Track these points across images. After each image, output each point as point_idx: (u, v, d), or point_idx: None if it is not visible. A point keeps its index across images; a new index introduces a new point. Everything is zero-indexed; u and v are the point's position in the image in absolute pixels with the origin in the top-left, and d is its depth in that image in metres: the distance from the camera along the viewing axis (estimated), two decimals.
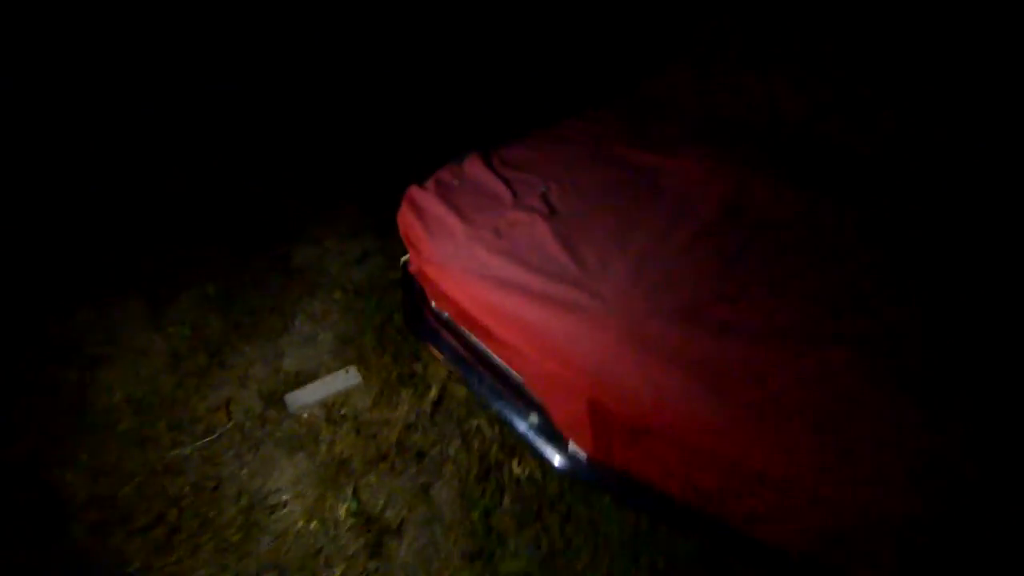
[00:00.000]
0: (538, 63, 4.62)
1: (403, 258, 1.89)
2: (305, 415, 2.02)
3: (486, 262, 1.46)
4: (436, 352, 1.76)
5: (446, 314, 1.73)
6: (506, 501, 1.76)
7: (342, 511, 1.72)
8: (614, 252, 1.45)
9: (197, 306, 2.48)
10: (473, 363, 1.64)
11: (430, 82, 4.62)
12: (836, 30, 2.12)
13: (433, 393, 2.06)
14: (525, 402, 1.51)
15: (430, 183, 1.80)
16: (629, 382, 1.19)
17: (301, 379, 2.16)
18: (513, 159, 1.89)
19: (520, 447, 1.88)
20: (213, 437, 1.92)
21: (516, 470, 1.83)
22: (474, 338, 1.63)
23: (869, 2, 2.14)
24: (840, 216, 1.59)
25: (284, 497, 1.76)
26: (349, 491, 1.77)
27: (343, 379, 2.14)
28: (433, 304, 1.79)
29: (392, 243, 2.69)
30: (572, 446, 1.38)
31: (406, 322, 2.02)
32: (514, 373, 1.53)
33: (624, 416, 1.21)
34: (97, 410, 1.99)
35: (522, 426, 1.50)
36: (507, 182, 1.75)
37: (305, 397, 2.07)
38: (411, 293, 1.86)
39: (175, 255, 2.79)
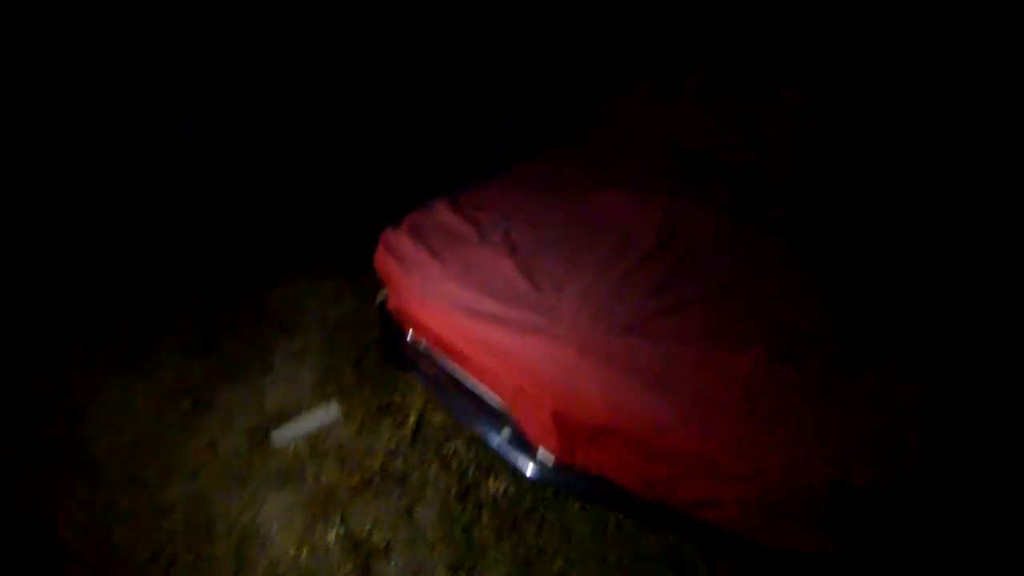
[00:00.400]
0: (496, 102, 4.92)
1: (379, 295, 2.06)
2: (290, 450, 2.12)
3: (457, 294, 1.65)
4: (415, 378, 1.92)
5: (422, 343, 1.89)
6: (485, 516, 1.89)
7: (331, 537, 1.82)
8: (569, 279, 1.66)
9: (178, 353, 2.57)
10: (449, 386, 1.80)
11: (390, 127, 4.84)
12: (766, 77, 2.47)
13: (412, 421, 2.20)
14: (497, 419, 1.68)
15: (403, 226, 1.99)
16: (586, 390, 1.38)
17: (284, 416, 2.26)
18: (477, 201, 2.10)
19: (495, 465, 2.03)
20: (201, 476, 2.00)
21: (492, 487, 1.97)
22: (449, 363, 1.80)
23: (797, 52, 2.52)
24: (757, 237, 1.86)
25: (274, 528, 1.86)
26: (337, 518, 1.88)
27: (325, 413, 2.26)
28: (410, 335, 1.95)
29: (363, 282, 2.84)
30: (541, 454, 1.55)
31: (384, 354, 2.17)
32: (487, 392, 1.70)
33: (583, 420, 1.39)
34: (86, 459, 2.04)
35: (496, 440, 1.67)
36: (473, 222, 1.96)
37: (289, 433, 2.18)
38: (388, 326, 2.02)
39: (152, 303, 2.87)
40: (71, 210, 3.65)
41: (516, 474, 1.97)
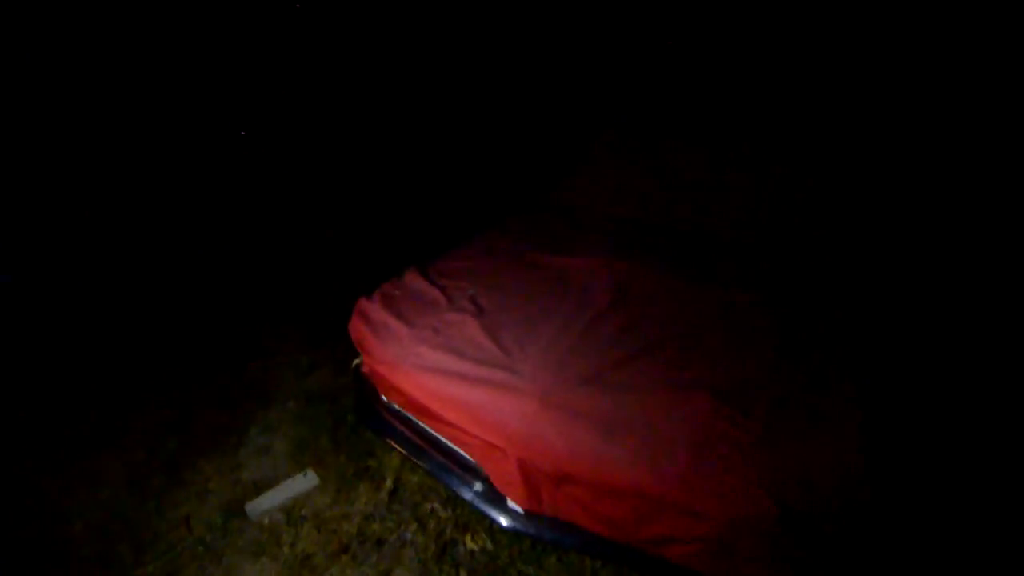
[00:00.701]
0: (452, 177, 5.24)
1: (354, 361, 2.17)
2: (266, 521, 2.13)
3: (428, 357, 1.78)
4: (390, 441, 2.00)
5: (396, 405, 1.99)
6: (462, 575, 1.93)
7: None
8: (530, 338, 1.81)
9: (151, 428, 2.58)
10: (423, 445, 1.89)
11: (362, 206, 5.09)
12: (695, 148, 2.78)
13: (388, 483, 2.24)
14: (470, 473, 1.77)
15: (376, 295, 2.13)
16: (548, 439, 1.50)
17: (260, 487, 2.28)
18: (445, 270, 2.28)
19: (472, 522, 2.08)
20: (175, 553, 1.99)
21: (470, 544, 2.02)
22: (422, 423, 1.89)
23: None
24: (702, 292, 2.06)
25: None
26: None
27: (301, 482, 2.29)
28: (384, 398, 2.04)
29: (336, 352, 2.95)
30: (511, 503, 1.64)
31: (359, 417, 2.24)
32: (457, 448, 1.79)
33: (547, 468, 1.50)
34: (57, 539, 2.02)
35: (469, 494, 1.74)
36: (442, 289, 2.12)
37: (265, 504, 2.19)
38: (363, 391, 2.11)
39: (125, 377, 2.89)
40: (44, 295, 3.69)
41: (494, 530, 2.04)
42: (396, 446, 1.98)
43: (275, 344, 3.22)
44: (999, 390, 2.52)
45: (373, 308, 2.05)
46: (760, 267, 2.24)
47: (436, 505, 2.16)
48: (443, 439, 1.82)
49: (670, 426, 1.49)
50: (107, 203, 4.46)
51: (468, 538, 2.04)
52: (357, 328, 2.01)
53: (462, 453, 1.77)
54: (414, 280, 2.20)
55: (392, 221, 4.85)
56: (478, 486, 1.74)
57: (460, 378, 1.67)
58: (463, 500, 1.79)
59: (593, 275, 2.14)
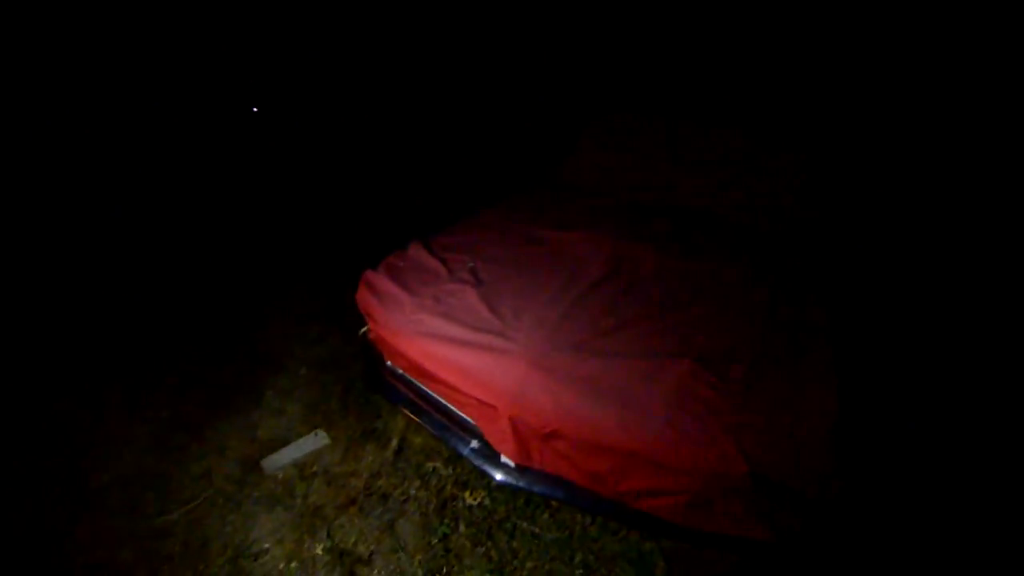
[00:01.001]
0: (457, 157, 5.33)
1: (361, 330, 2.29)
2: (280, 475, 2.29)
3: (429, 323, 1.89)
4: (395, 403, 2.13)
5: (400, 370, 2.11)
6: (461, 527, 2.07)
7: (319, 550, 1.98)
8: (525, 307, 1.91)
9: (174, 393, 2.74)
10: (424, 406, 2.02)
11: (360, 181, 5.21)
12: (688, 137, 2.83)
13: (394, 444, 2.39)
14: (467, 431, 1.90)
15: (381, 267, 2.24)
16: (537, 399, 1.61)
17: (275, 445, 2.44)
18: (447, 243, 2.38)
19: (471, 480, 2.22)
20: (197, 502, 2.16)
21: (469, 500, 2.16)
22: (423, 386, 2.02)
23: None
24: (692, 267, 2.14)
25: (266, 545, 2.01)
26: (324, 533, 2.05)
27: (313, 441, 2.44)
28: (389, 363, 2.17)
29: (344, 323, 3.10)
30: (503, 459, 1.76)
31: (366, 381, 2.37)
32: (456, 409, 1.92)
33: (536, 425, 1.62)
34: (88, 489, 2.20)
35: (466, 451, 1.87)
36: (443, 261, 2.22)
37: (279, 460, 2.35)
38: (370, 356, 2.24)
39: (152, 346, 3.06)
40: (83, 258, 3.87)
41: (491, 488, 2.17)
42: (401, 408, 2.11)
43: (287, 315, 3.36)
44: (968, 364, 2.61)
45: (378, 279, 2.16)
46: (748, 244, 2.32)
47: (438, 464, 2.30)
48: (443, 400, 1.95)
49: (651, 388, 1.59)
50: (118, 185, 4.62)
51: (467, 494, 2.18)
52: (364, 298, 2.13)
53: (460, 413, 1.90)
54: (417, 252, 2.30)
55: (397, 200, 4.96)
56: (474, 443, 1.87)
57: (458, 343, 1.79)
58: (462, 458, 1.93)
59: (589, 249, 2.23)
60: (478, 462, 1.84)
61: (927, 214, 3.19)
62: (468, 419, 1.86)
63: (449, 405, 1.93)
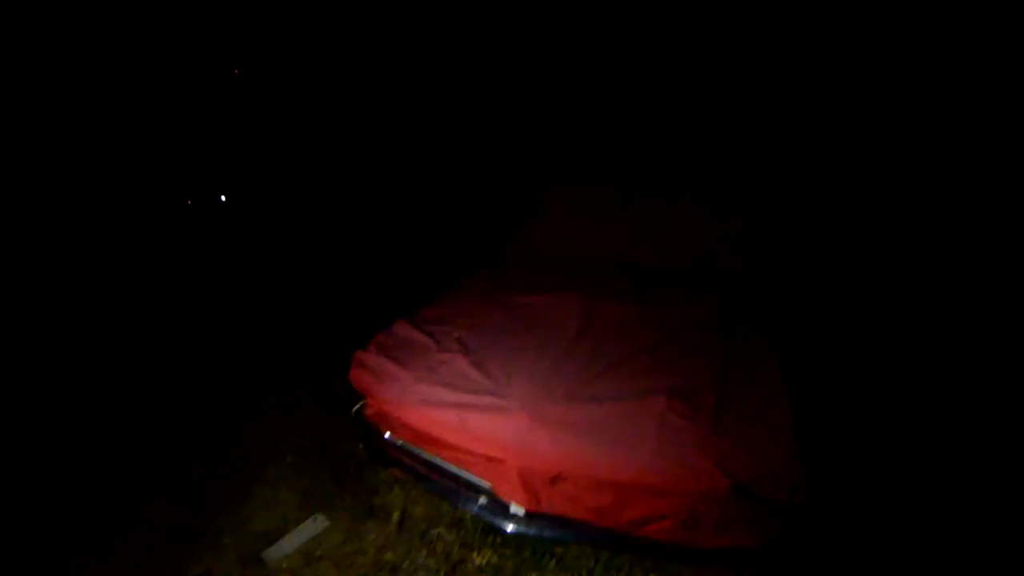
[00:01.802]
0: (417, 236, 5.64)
1: (355, 407, 2.40)
2: (284, 564, 2.29)
3: (429, 392, 2.06)
4: (398, 472, 2.24)
5: (400, 441, 2.24)
6: None
7: None
8: (514, 367, 2.13)
9: (155, 500, 2.68)
10: (428, 472, 2.14)
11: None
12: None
13: (395, 516, 2.45)
14: (473, 490, 2.03)
15: (371, 346, 2.40)
16: (541, 447, 1.80)
17: (273, 537, 2.43)
18: (429, 317, 2.58)
19: (476, 541, 2.31)
20: None
21: (477, 560, 2.25)
22: (426, 453, 2.15)
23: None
24: (654, 316, 2.45)
25: None
26: None
27: (312, 526, 2.46)
28: (387, 435, 2.29)
29: (326, 405, 3.17)
30: (513, 508, 1.91)
31: (369, 455, 2.46)
32: (462, 471, 2.06)
33: (542, 471, 1.80)
34: None
35: (475, 508, 2.00)
36: (429, 334, 2.41)
37: (281, 549, 2.35)
38: (368, 431, 2.35)
39: (122, 459, 2.97)
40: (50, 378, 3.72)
41: (496, 544, 2.28)
42: (396, 473, 2.21)
43: (261, 408, 3.37)
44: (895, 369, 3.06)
45: (370, 357, 2.31)
46: (696, 292, 2.68)
47: (441, 529, 2.38)
48: (448, 464, 2.08)
49: (637, 425, 1.83)
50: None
51: (475, 555, 2.27)
52: (358, 376, 2.27)
53: (466, 473, 2.04)
54: (403, 329, 2.48)
55: (364, 279, 5.14)
56: (482, 500, 2.00)
57: (460, 406, 1.96)
58: (467, 520, 2.05)
59: (562, 308, 2.51)
60: (488, 517, 1.97)
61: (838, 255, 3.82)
62: (475, 478, 2.00)
63: (453, 468, 2.06)
